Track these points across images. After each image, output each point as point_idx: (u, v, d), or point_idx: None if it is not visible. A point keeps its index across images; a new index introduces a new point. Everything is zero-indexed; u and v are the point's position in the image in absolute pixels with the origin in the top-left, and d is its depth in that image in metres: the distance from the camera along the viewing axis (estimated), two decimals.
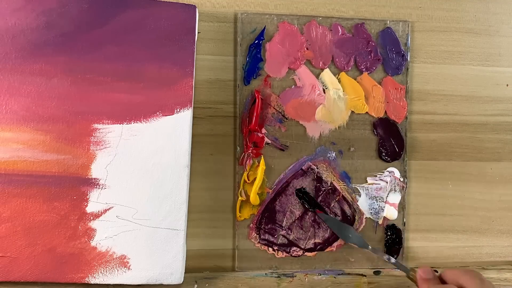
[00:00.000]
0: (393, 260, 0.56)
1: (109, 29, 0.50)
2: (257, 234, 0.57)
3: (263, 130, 0.57)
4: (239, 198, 0.56)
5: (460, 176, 0.62)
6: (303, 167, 0.58)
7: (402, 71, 0.60)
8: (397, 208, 0.60)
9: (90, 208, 0.49)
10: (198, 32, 0.53)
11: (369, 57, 0.59)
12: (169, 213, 0.51)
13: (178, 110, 0.51)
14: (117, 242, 0.50)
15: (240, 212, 0.56)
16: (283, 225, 0.58)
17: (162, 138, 0.51)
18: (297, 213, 0.58)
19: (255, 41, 0.57)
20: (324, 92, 0.58)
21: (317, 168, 0.58)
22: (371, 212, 0.59)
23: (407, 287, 0.57)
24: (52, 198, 0.49)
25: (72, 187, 0.49)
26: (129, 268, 0.50)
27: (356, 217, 0.59)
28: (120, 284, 0.50)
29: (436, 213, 0.61)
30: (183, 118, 0.51)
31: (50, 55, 0.49)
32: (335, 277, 0.57)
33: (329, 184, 0.59)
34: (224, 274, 0.56)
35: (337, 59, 0.59)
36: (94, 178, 0.50)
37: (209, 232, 0.57)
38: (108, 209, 0.50)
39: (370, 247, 0.57)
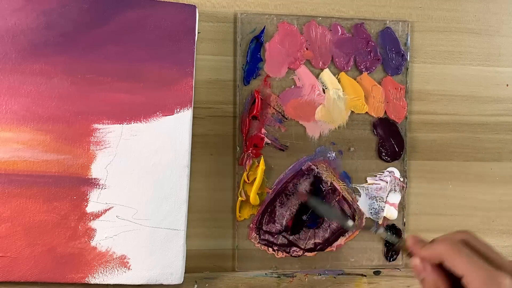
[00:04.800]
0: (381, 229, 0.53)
1: (109, 29, 0.50)
2: (257, 234, 0.57)
3: (263, 130, 0.57)
4: (239, 198, 0.56)
5: (460, 176, 0.62)
6: (303, 167, 0.58)
7: (402, 71, 0.60)
8: (397, 208, 0.60)
9: (90, 208, 0.49)
10: (198, 32, 0.53)
11: (369, 57, 0.59)
12: (169, 213, 0.51)
13: (178, 110, 0.51)
14: (117, 242, 0.50)
15: (240, 212, 0.56)
16: (283, 225, 0.58)
17: (162, 138, 0.51)
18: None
19: (255, 41, 0.57)
20: (324, 92, 0.58)
21: (317, 168, 0.58)
22: (371, 212, 0.59)
23: (407, 287, 0.57)
24: (52, 198, 0.49)
25: (72, 187, 0.49)
26: (129, 268, 0.50)
27: (356, 217, 0.59)
28: (120, 284, 0.50)
29: (436, 213, 0.61)
30: (183, 118, 0.51)
31: (50, 55, 0.49)
32: (335, 277, 0.57)
33: (329, 184, 0.58)
34: (224, 274, 0.55)
35: (336, 59, 0.59)
36: (94, 178, 0.50)
37: (209, 232, 0.56)
38: (108, 209, 0.50)
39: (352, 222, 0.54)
